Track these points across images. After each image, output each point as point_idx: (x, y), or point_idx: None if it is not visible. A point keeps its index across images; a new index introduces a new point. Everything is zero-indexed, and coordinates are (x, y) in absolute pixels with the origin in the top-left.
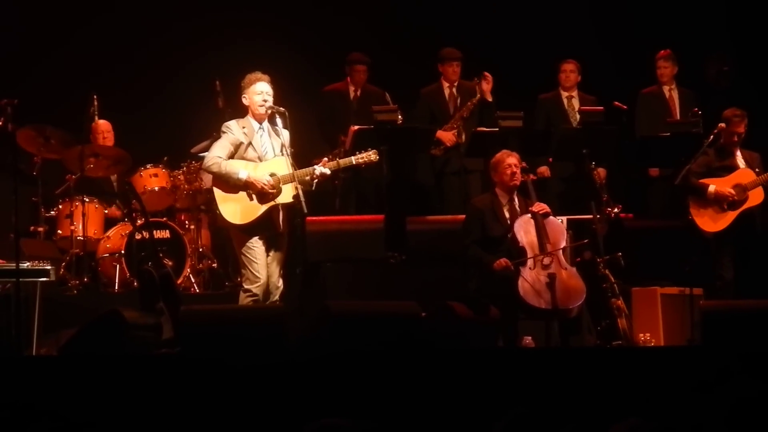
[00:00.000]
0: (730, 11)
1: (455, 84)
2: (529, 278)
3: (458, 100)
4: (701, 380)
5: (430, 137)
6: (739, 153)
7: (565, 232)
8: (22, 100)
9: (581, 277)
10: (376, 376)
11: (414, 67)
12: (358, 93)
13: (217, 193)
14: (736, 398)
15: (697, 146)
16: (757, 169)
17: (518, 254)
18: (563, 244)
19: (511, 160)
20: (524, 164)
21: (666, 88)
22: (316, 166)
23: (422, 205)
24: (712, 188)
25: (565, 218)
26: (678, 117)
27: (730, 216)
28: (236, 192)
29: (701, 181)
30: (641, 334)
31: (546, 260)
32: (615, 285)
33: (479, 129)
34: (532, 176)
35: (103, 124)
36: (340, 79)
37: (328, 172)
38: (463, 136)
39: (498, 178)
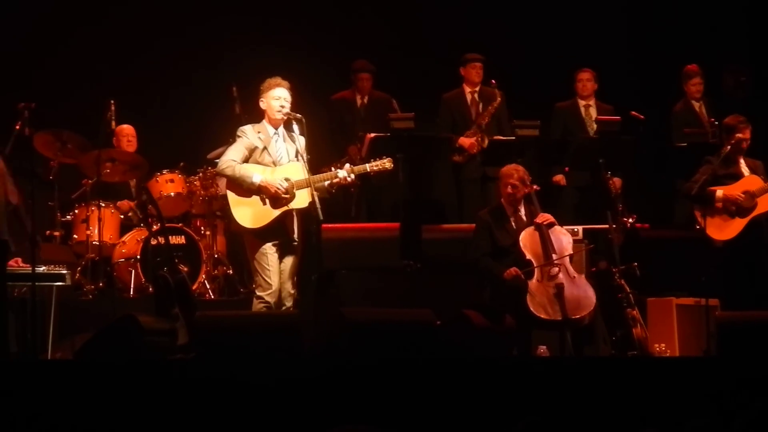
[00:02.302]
0: (748, 21)
1: (477, 89)
2: (537, 291)
3: (480, 106)
4: (717, 392)
5: (446, 146)
6: (742, 161)
7: (572, 241)
8: (40, 104)
9: (591, 285)
10: (390, 384)
11: (429, 74)
12: (365, 100)
13: (231, 196)
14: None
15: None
16: (762, 177)
17: (525, 266)
18: (569, 252)
19: (510, 179)
20: (528, 176)
21: (696, 104)
22: (338, 170)
23: (440, 213)
24: (720, 193)
25: (580, 228)
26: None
27: (740, 224)
28: (249, 196)
29: (708, 188)
30: (656, 345)
31: (553, 270)
32: (630, 295)
33: (496, 138)
34: (536, 186)
35: (127, 128)
36: (350, 87)
37: (352, 177)
38: (486, 142)
39: (502, 191)
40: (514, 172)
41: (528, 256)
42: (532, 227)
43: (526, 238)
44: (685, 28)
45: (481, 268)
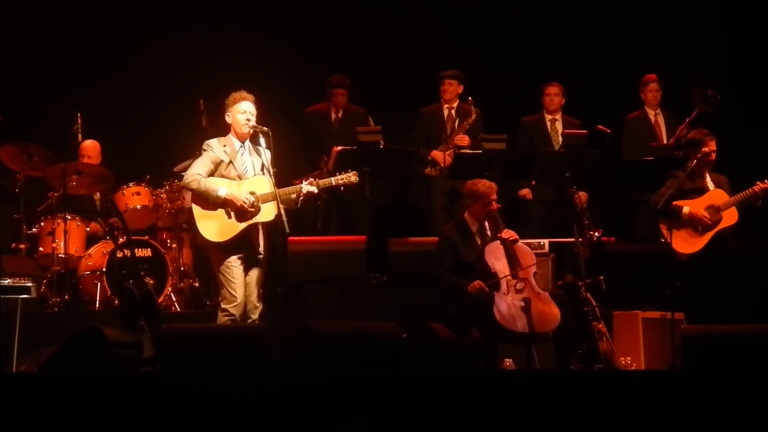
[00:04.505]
0: (720, 37)
1: (454, 105)
2: (504, 303)
3: (456, 122)
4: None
5: (413, 159)
6: (708, 175)
7: (535, 256)
8: (6, 117)
9: (555, 303)
10: (356, 397)
11: (398, 87)
12: (340, 115)
13: (196, 210)
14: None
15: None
16: (727, 191)
17: (490, 278)
18: (533, 268)
19: (492, 197)
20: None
21: (651, 113)
22: (303, 184)
23: (407, 226)
24: (686, 210)
25: (546, 241)
26: (665, 141)
27: (705, 238)
28: (215, 209)
29: (674, 203)
30: (622, 358)
31: (519, 285)
32: (596, 308)
33: (462, 151)
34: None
35: (87, 146)
36: (325, 99)
37: (315, 190)
38: None
39: (477, 208)
40: (491, 189)
41: (493, 269)
42: (497, 241)
43: (491, 252)
44: (654, 42)
45: (446, 283)
